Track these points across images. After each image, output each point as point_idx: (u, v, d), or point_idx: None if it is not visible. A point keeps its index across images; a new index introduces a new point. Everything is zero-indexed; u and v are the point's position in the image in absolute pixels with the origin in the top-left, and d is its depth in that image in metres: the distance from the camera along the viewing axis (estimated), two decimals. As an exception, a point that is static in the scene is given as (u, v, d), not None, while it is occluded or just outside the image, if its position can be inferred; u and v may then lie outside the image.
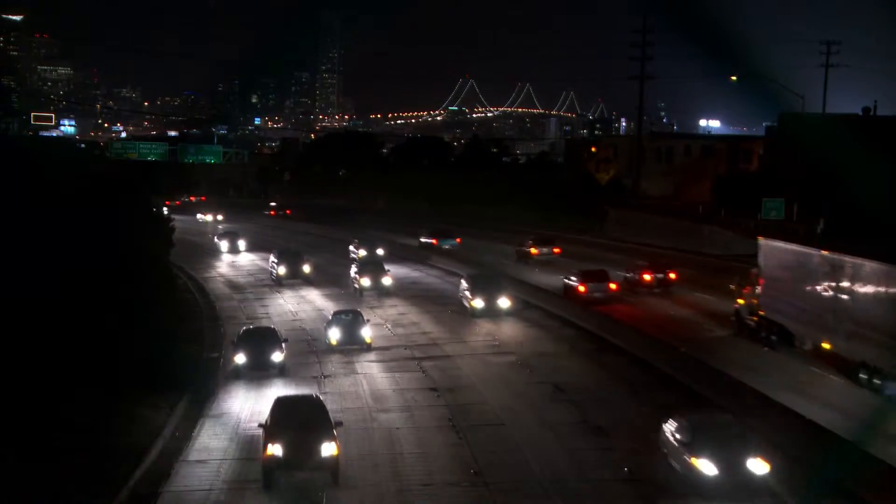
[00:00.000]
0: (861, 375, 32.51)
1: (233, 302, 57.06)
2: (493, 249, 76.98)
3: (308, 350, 42.35)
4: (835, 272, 37.00)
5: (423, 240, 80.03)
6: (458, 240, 79.46)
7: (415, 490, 24.61)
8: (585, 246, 78.45)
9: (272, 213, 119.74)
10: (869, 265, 34.61)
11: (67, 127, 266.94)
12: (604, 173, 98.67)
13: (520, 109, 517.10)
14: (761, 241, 44.82)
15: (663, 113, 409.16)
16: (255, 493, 24.67)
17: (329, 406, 27.63)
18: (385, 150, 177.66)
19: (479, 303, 47.81)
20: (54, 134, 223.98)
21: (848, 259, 35.80)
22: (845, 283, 35.71)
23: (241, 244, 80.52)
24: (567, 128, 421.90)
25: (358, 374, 37.81)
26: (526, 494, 24.20)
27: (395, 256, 71.88)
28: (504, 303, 48.19)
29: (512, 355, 40.35)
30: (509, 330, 46.02)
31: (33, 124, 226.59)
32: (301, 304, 55.28)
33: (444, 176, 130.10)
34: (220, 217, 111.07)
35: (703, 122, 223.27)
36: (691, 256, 69.14)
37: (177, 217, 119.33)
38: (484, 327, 46.52)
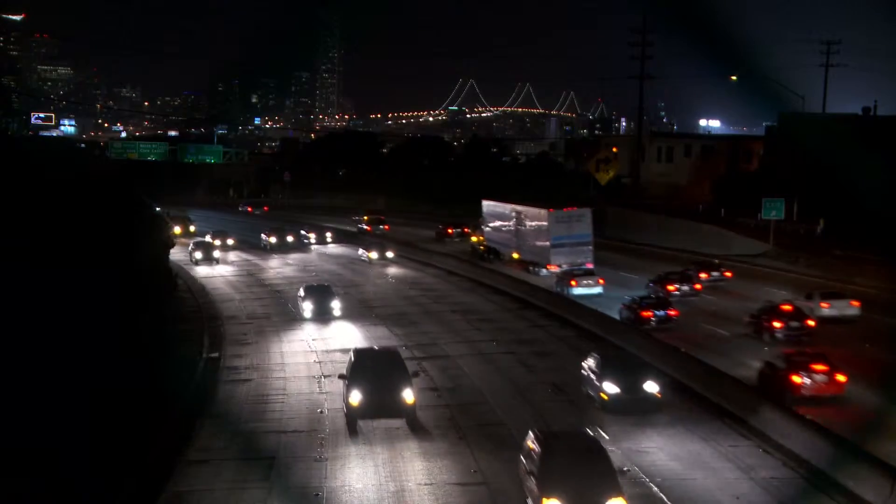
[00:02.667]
0: (530, 268, 65.30)
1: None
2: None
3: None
4: (517, 215, 69.32)
5: (240, 208, 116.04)
6: (265, 208, 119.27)
7: (415, 490, 24.61)
8: (749, 279, 77.95)
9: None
10: (529, 209, 67.64)
11: (67, 127, 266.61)
12: (604, 173, 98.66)
13: (520, 109, 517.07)
14: (484, 201, 77.25)
15: (663, 113, 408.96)
16: (255, 490, 24.74)
17: None
18: (385, 150, 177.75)
19: None
20: (54, 134, 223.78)
21: (521, 207, 69.17)
22: (521, 220, 68.55)
23: (335, 306, 49.71)
24: (567, 128, 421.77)
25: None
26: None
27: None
28: None
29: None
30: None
31: (33, 124, 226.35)
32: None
33: (444, 176, 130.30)
34: (389, 254, 72.93)
35: (703, 122, 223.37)
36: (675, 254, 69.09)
37: (336, 251, 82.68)
38: None
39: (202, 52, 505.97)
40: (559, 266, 61.43)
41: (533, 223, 66.75)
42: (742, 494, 23.49)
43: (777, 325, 41.02)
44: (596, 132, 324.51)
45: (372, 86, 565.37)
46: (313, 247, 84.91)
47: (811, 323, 41.64)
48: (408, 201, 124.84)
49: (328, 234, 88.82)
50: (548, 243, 63.17)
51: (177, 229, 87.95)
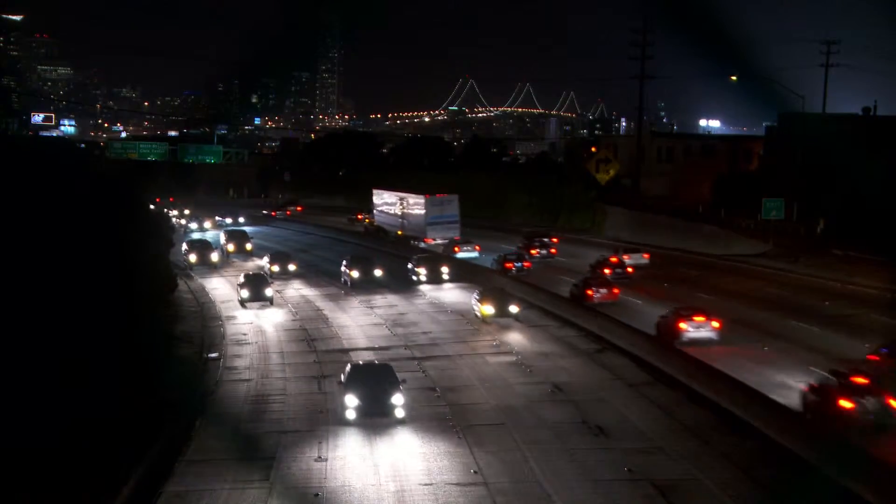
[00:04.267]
0: (412, 242, 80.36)
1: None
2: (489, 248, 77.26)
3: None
4: (401, 200, 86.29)
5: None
6: (171, 199, 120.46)
7: (415, 490, 24.60)
8: (583, 245, 78.58)
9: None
10: (410, 195, 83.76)
11: (67, 127, 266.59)
12: (604, 173, 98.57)
13: (520, 109, 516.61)
14: (374, 189, 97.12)
15: (663, 113, 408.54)
16: (255, 490, 24.75)
17: None
18: (385, 150, 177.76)
19: None
20: (54, 134, 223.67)
21: (404, 193, 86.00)
22: (404, 204, 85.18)
23: (396, 403, 31.39)
24: (567, 128, 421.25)
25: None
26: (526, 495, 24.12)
27: None
28: None
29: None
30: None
31: (33, 124, 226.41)
32: None
33: (444, 176, 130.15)
34: (513, 309, 47.76)
35: (703, 122, 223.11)
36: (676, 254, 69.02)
37: (451, 295, 56.43)
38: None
39: (202, 52, 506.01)
40: (434, 239, 79.15)
41: (413, 206, 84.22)
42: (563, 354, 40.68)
43: (607, 271, 58.51)
44: (596, 132, 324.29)
45: (372, 86, 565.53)
46: (423, 287, 59.64)
47: (630, 270, 60.66)
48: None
49: (444, 270, 61.61)
50: (425, 222, 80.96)
51: (230, 247, 76.48)
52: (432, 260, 64.00)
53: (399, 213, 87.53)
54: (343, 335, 45.86)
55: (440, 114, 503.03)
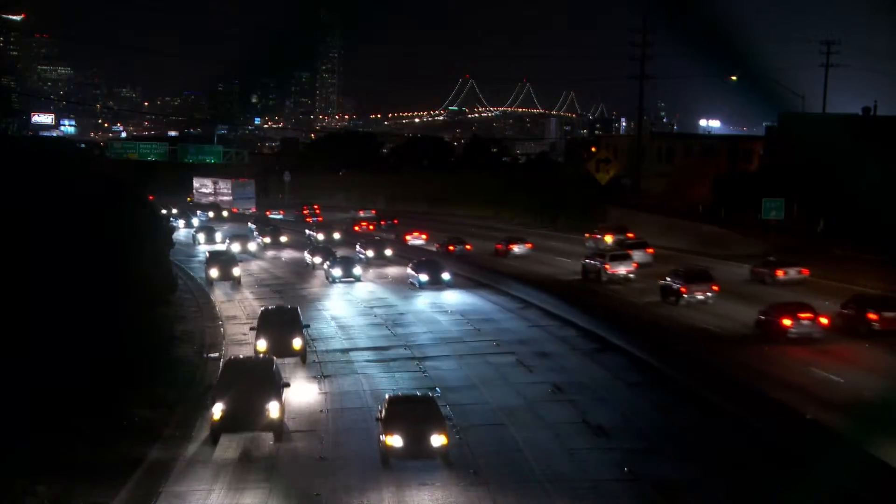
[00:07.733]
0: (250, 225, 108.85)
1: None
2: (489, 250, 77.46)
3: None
4: (214, 183, 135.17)
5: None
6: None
7: (415, 490, 24.61)
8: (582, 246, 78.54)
9: None
10: (221, 180, 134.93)
11: (68, 127, 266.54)
12: (604, 173, 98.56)
13: (520, 109, 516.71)
14: (194, 177, 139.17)
15: (663, 113, 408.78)
16: (255, 490, 24.74)
17: None
18: (385, 150, 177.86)
19: None
20: (55, 134, 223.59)
21: (217, 178, 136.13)
22: (217, 186, 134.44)
23: None
24: (567, 128, 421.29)
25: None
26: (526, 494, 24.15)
27: None
28: None
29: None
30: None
31: (34, 124, 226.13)
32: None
33: (445, 176, 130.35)
34: None
35: (703, 122, 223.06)
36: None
37: None
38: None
39: (202, 52, 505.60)
40: (237, 210, 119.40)
41: (223, 187, 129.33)
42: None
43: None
44: (596, 132, 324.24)
45: (372, 86, 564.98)
46: None
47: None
48: (407, 201, 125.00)
49: None
50: (231, 197, 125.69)
51: (261, 345, 37.41)
52: None
53: (213, 193, 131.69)
54: None
55: (440, 114, 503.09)
